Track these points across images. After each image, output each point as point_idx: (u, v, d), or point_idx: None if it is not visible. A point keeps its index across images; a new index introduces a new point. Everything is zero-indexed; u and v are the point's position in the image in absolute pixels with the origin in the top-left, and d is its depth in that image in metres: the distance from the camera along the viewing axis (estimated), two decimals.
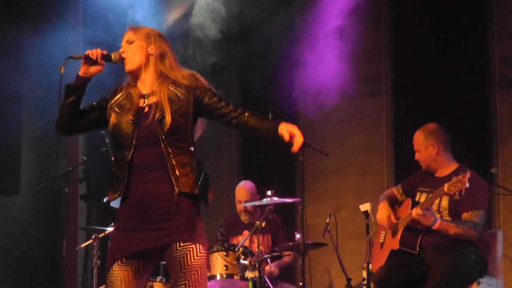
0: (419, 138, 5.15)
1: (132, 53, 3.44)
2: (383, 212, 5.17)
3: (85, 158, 6.75)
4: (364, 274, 5.60)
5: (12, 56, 6.64)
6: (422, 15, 6.99)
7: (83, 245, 6.16)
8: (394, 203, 5.28)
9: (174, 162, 3.29)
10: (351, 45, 7.16)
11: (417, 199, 5.09)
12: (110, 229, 5.78)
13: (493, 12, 6.78)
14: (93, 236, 5.86)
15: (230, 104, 3.42)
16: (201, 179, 3.36)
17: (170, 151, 3.30)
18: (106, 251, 5.90)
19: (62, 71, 3.44)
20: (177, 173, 3.29)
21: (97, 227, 6.11)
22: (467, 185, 4.45)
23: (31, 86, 6.82)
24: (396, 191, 5.32)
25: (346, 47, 7.19)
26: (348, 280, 5.67)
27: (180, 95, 3.36)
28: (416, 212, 4.74)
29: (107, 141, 6.27)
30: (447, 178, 4.85)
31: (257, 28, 7.03)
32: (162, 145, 3.30)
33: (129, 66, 3.45)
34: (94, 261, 5.82)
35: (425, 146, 5.11)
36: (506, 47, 6.72)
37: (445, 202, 4.90)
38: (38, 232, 6.89)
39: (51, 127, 6.98)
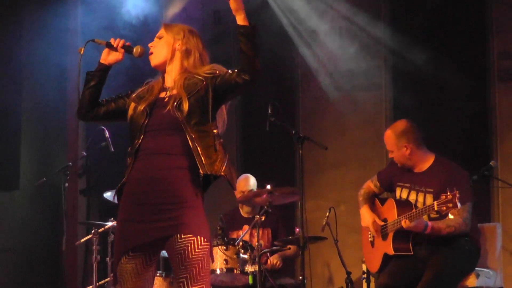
0: (391, 140, 4.98)
1: (159, 48, 3.48)
2: (367, 218, 5.06)
3: (85, 153, 6.75)
4: (364, 267, 5.61)
5: (11, 49, 6.63)
6: (421, 9, 6.98)
7: (82, 240, 6.16)
8: (373, 199, 5.18)
9: (198, 146, 3.30)
10: (351, 39, 7.16)
11: (398, 195, 5.00)
12: (109, 224, 5.79)
13: (492, 6, 6.78)
14: (92, 231, 5.86)
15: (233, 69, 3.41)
16: (226, 161, 3.37)
17: (193, 136, 3.31)
18: (106, 246, 5.95)
19: (81, 52, 3.46)
20: (202, 156, 3.30)
21: (97, 222, 6.12)
22: (459, 205, 4.39)
23: (30, 81, 6.81)
24: (374, 185, 5.19)
25: (345, 41, 7.19)
26: (348, 273, 5.66)
27: (197, 82, 3.39)
28: (406, 225, 4.66)
29: (106, 135, 6.28)
30: (426, 172, 4.86)
31: (257, 21, 7.02)
32: (185, 131, 3.31)
33: (154, 60, 3.49)
34: (94, 256, 5.82)
35: (397, 147, 4.94)
36: (505, 41, 6.71)
37: (429, 201, 4.77)
38: (38, 227, 6.89)
39: (51, 122, 6.99)
